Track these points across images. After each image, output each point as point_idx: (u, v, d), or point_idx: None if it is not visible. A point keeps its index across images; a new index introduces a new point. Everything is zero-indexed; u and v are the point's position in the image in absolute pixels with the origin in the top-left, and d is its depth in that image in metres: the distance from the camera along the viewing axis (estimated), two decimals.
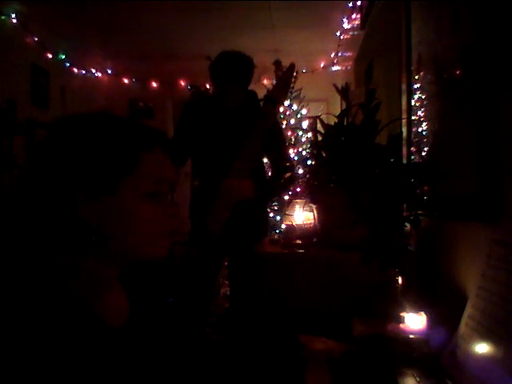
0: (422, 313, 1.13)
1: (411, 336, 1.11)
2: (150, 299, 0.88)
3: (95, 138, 0.73)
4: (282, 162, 2.34)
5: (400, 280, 1.38)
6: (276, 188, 2.32)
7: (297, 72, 3.57)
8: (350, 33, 3.89)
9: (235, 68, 2.13)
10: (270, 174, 2.53)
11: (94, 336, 0.68)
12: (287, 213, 2.27)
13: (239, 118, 2.21)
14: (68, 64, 4.84)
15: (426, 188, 1.56)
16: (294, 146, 4.14)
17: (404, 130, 1.82)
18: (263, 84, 4.56)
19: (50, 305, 0.65)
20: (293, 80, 3.47)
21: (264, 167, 2.59)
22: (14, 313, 0.63)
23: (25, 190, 0.74)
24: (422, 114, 1.64)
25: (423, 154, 1.62)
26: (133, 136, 0.76)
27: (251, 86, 2.31)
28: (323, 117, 1.99)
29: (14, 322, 0.62)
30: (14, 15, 3.87)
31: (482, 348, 0.88)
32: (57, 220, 0.72)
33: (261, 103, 2.25)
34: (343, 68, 4.82)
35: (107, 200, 0.72)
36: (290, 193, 2.54)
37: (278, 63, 4.06)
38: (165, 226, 0.77)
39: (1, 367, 0.59)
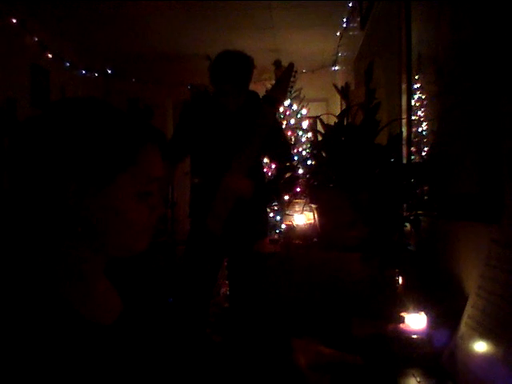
0: (422, 313, 1.13)
1: (411, 336, 1.11)
2: (142, 296, 0.87)
3: (95, 127, 0.71)
4: (286, 161, 2.34)
5: (400, 280, 1.38)
6: (278, 188, 2.32)
7: (296, 72, 3.57)
8: (350, 33, 3.89)
9: (233, 67, 2.13)
10: (270, 173, 2.53)
11: (77, 337, 0.66)
12: (287, 213, 2.27)
13: (240, 118, 2.21)
14: (68, 64, 4.84)
15: (426, 188, 1.56)
16: (294, 145, 4.14)
17: (404, 129, 1.82)
18: (263, 84, 4.56)
19: (30, 309, 0.63)
20: (292, 80, 3.47)
21: (263, 167, 2.60)
22: None
23: (18, 173, 0.71)
24: (421, 114, 1.64)
25: (423, 154, 1.62)
26: (134, 131, 0.74)
27: (251, 86, 2.31)
28: (323, 117, 1.98)
29: None
30: (14, 15, 3.87)
31: (482, 348, 0.88)
32: (45, 205, 0.70)
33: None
34: (343, 68, 4.82)
35: (98, 193, 0.70)
36: (290, 193, 2.54)
37: (277, 63, 4.07)
38: (147, 224, 0.76)
39: None
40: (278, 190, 2.39)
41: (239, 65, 2.15)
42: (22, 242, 0.71)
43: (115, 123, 0.73)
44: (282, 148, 2.35)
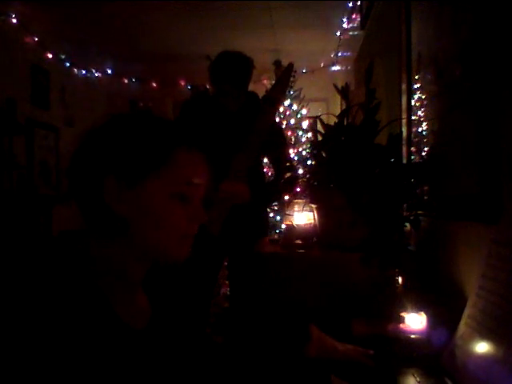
0: (422, 313, 1.13)
1: (411, 336, 1.11)
2: (171, 304, 0.88)
3: (133, 130, 0.75)
4: (283, 162, 2.34)
5: (400, 280, 1.38)
6: (278, 188, 2.31)
7: (295, 71, 3.57)
8: (350, 33, 3.88)
9: (233, 68, 2.13)
10: (270, 173, 2.53)
11: (111, 337, 0.68)
12: (287, 213, 2.27)
13: (240, 119, 2.21)
14: (68, 64, 4.84)
15: (426, 188, 1.56)
16: (294, 145, 4.14)
17: (404, 130, 1.82)
18: (263, 84, 4.56)
19: (72, 303, 0.65)
20: (291, 80, 3.47)
21: (263, 167, 2.59)
22: (34, 309, 0.63)
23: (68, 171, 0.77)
24: (421, 114, 1.64)
25: (423, 154, 1.62)
26: (168, 133, 0.77)
27: (251, 86, 2.31)
28: (323, 117, 1.98)
29: (32, 319, 0.62)
30: (13, 15, 3.87)
31: (482, 348, 0.88)
32: (84, 200, 0.75)
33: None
34: (343, 68, 4.82)
35: (133, 191, 0.73)
36: (290, 193, 2.54)
37: (277, 63, 4.07)
38: (184, 230, 0.76)
39: (16, 363, 0.60)
40: (278, 190, 2.39)
41: (238, 65, 2.15)
42: (68, 248, 0.75)
43: (151, 127, 0.77)
44: (282, 148, 2.35)
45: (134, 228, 0.73)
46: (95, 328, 0.66)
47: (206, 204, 0.80)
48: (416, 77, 1.71)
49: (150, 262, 0.79)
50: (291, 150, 3.91)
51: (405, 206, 1.58)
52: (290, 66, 2.23)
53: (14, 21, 3.90)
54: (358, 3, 3.44)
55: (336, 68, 4.96)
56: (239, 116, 2.22)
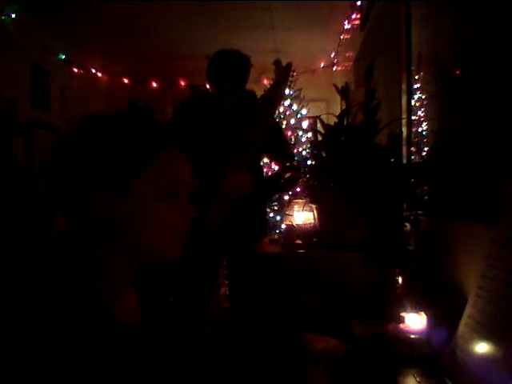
0: (422, 313, 1.13)
1: (411, 336, 1.11)
2: (160, 302, 0.89)
3: (108, 138, 0.75)
4: (287, 161, 2.33)
5: (400, 280, 1.38)
6: (279, 183, 2.30)
7: (294, 71, 3.57)
8: (350, 33, 3.88)
9: (230, 67, 2.13)
10: (270, 174, 2.52)
11: (107, 335, 0.69)
12: (287, 213, 2.26)
13: (237, 118, 2.21)
14: (68, 64, 4.84)
15: (426, 188, 1.56)
16: (294, 145, 4.14)
17: (404, 130, 1.82)
18: (263, 84, 4.56)
19: (66, 301, 0.66)
20: (290, 79, 3.47)
21: (262, 167, 2.59)
22: (28, 309, 0.64)
23: (46, 182, 0.77)
24: (422, 114, 1.64)
25: (423, 154, 1.62)
26: (142, 139, 0.76)
27: (252, 86, 2.30)
28: (323, 117, 1.98)
29: (26, 319, 0.63)
30: (14, 15, 3.87)
31: (482, 348, 0.88)
32: (72, 211, 0.75)
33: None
34: (343, 68, 4.82)
35: (120, 197, 0.73)
36: (290, 193, 2.54)
37: (277, 63, 4.07)
38: (176, 228, 0.77)
39: (12, 364, 0.60)
40: (279, 186, 2.37)
41: (236, 64, 2.15)
42: (63, 244, 0.76)
43: (125, 133, 0.76)
44: (282, 148, 2.35)
45: (125, 231, 0.74)
46: (88, 323, 0.66)
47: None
48: (416, 77, 1.71)
49: (140, 261, 0.79)
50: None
51: (405, 205, 1.58)
52: (289, 65, 2.23)
53: (14, 21, 3.89)
54: (358, 3, 3.44)
55: (336, 68, 4.96)
56: (236, 114, 2.22)
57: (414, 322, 1.13)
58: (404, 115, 1.83)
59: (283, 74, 2.25)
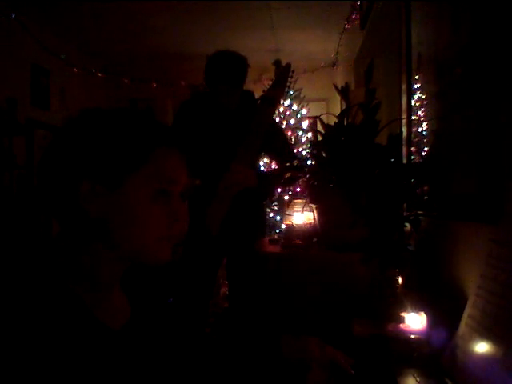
0: (422, 313, 1.13)
1: (411, 336, 1.11)
2: (151, 302, 0.87)
3: (108, 130, 0.72)
4: (288, 160, 2.33)
5: (400, 280, 1.38)
6: (280, 180, 2.29)
7: (293, 71, 3.56)
8: (350, 33, 3.88)
9: (226, 68, 2.12)
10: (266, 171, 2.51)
11: (91, 338, 0.67)
12: (287, 213, 2.26)
13: (236, 118, 2.21)
14: (68, 64, 4.83)
15: (426, 188, 1.56)
16: (294, 145, 4.14)
17: (404, 130, 1.82)
18: (263, 84, 4.56)
19: (47, 307, 0.64)
20: (289, 80, 3.47)
21: (260, 168, 2.59)
22: (10, 315, 0.62)
23: (39, 174, 0.74)
24: (422, 114, 1.64)
25: (423, 154, 1.62)
26: (146, 132, 0.74)
27: (251, 86, 2.30)
28: (323, 117, 1.98)
29: (9, 324, 0.61)
30: (13, 15, 3.87)
31: (482, 348, 0.88)
32: (58, 206, 0.72)
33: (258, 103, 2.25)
34: (343, 68, 4.82)
35: (111, 193, 0.70)
36: (290, 193, 2.54)
37: (277, 63, 4.07)
38: (167, 229, 0.74)
39: None
40: (280, 182, 2.36)
41: (233, 66, 2.14)
42: (42, 242, 0.74)
43: (127, 126, 0.74)
44: (282, 148, 2.35)
45: (112, 230, 0.71)
46: (71, 328, 0.64)
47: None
48: (416, 77, 1.71)
49: (128, 262, 0.77)
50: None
51: (405, 205, 1.58)
52: (288, 65, 2.23)
53: (14, 21, 3.89)
54: (358, 3, 3.43)
55: (336, 68, 4.96)
56: (237, 115, 2.22)
57: (414, 321, 1.13)
58: (404, 115, 1.83)
59: (282, 75, 2.25)
